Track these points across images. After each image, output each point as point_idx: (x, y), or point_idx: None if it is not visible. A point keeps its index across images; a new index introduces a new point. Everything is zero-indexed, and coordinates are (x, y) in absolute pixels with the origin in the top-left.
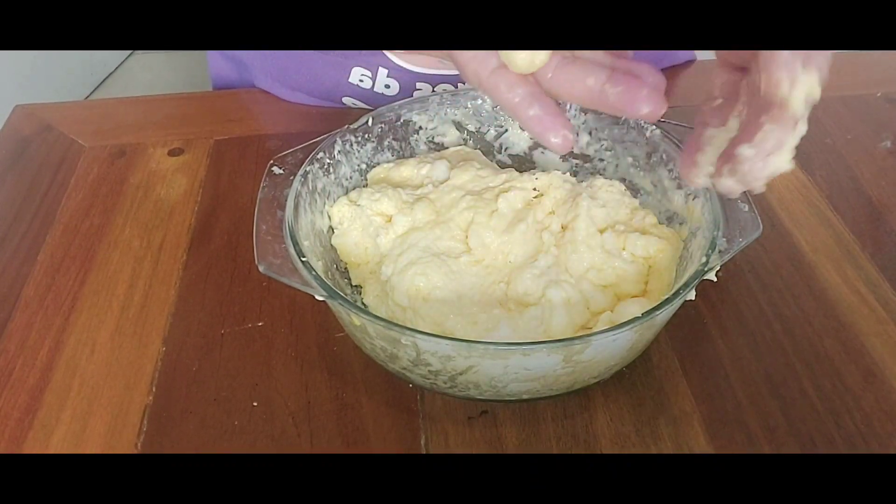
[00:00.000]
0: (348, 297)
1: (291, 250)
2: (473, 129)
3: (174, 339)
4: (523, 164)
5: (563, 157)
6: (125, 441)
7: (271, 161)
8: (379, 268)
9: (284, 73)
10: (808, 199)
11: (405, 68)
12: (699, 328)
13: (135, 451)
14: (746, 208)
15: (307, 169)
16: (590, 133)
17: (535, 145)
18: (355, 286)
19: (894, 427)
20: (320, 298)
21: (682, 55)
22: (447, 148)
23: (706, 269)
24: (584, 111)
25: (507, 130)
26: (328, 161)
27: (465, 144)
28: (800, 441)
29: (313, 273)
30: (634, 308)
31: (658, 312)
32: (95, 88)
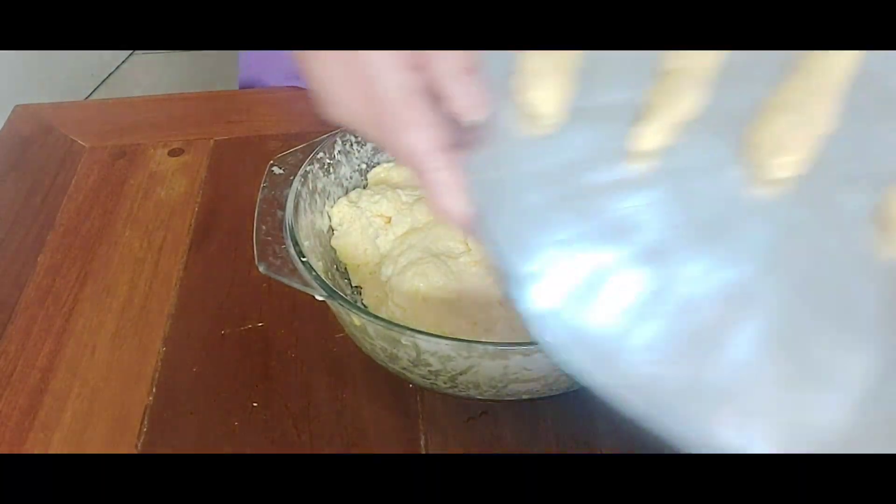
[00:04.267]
0: (348, 298)
1: (292, 251)
2: None
3: (174, 340)
4: None
5: None
6: (125, 442)
7: (271, 161)
8: (379, 269)
9: None
10: None
11: None
12: None
13: (135, 452)
14: None
15: (307, 169)
16: None
17: None
18: (355, 287)
19: None
20: (320, 298)
21: None
22: None
23: None
24: None
25: None
26: (328, 161)
27: None
28: None
29: (314, 273)
30: None
31: None
32: (95, 88)
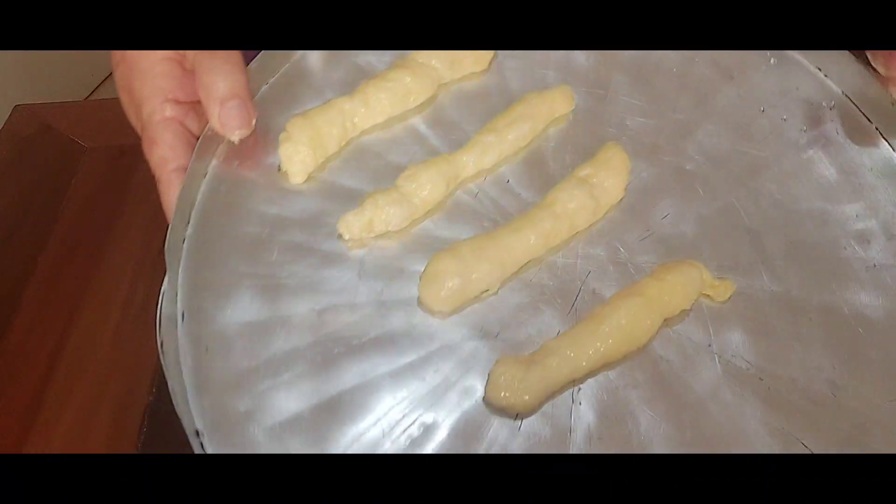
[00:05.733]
0: None
1: None
2: None
3: None
4: None
5: None
6: (127, 441)
7: None
8: None
9: None
10: None
11: None
12: None
13: (136, 451)
14: None
15: None
16: None
17: None
18: None
19: None
20: None
21: None
22: None
23: None
24: None
25: None
26: None
27: None
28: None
29: None
30: None
31: None
32: (95, 88)
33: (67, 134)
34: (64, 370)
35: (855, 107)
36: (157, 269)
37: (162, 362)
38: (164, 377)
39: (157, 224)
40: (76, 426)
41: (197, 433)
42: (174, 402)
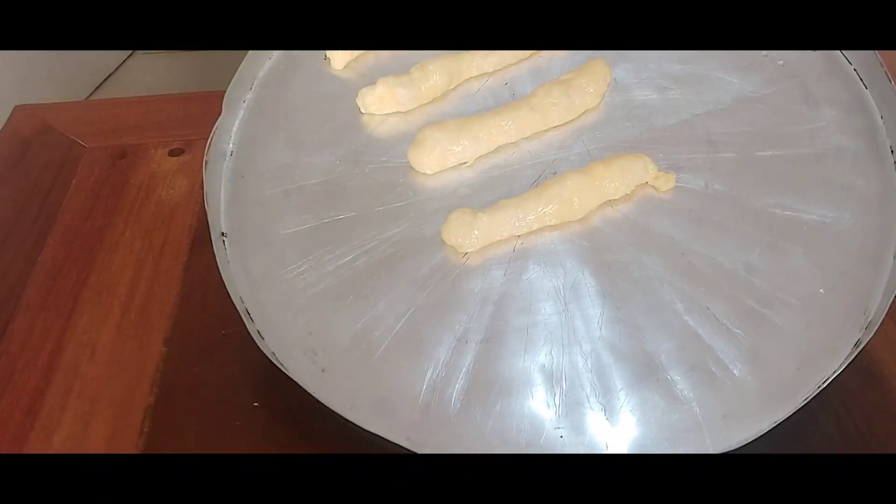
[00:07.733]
0: None
1: None
2: None
3: (175, 340)
4: None
5: None
6: (126, 442)
7: None
8: None
9: None
10: None
11: None
12: None
13: (136, 452)
14: None
15: None
16: None
17: None
18: None
19: (895, 427)
20: None
21: None
22: None
23: None
24: None
25: None
26: None
27: None
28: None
29: None
30: None
31: None
32: (95, 89)
33: (67, 134)
34: (63, 371)
35: (845, 59)
36: (157, 269)
37: (204, 184)
38: (164, 377)
39: (156, 224)
40: (76, 426)
41: (223, 234)
42: (208, 213)
